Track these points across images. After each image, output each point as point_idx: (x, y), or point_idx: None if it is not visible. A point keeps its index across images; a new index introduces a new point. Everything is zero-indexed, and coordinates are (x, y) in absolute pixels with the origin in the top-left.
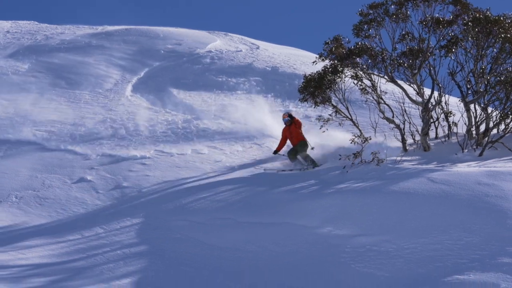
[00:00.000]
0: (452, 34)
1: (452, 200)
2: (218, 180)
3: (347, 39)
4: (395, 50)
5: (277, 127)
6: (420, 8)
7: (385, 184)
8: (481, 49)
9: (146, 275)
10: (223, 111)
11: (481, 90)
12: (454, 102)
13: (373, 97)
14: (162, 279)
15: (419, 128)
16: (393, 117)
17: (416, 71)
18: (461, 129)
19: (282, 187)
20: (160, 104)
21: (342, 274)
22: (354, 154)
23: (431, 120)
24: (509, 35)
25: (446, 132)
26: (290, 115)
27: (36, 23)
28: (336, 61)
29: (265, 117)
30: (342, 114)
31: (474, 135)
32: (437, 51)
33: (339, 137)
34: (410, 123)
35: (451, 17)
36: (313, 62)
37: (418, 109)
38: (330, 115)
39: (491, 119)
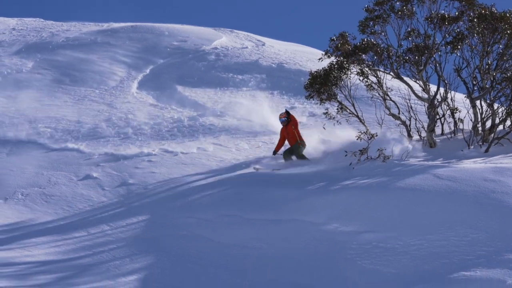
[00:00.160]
0: (458, 30)
1: (458, 197)
2: (224, 177)
3: (352, 36)
4: (400, 46)
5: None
6: (425, 4)
7: (391, 180)
8: (487, 45)
9: (153, 272)
10: (229, 108)
11: (487, 86)
12: (460, 99)
13: (379, 94)
14: (169, 276)
15: (425, 125)
16: (399, 113)
17: (422, 67)
18: (467, 125)
19: (288, 184)
20: (166, 101)
21: (348, 270)
22: (360, 150)
23: (437, 117)
24: None
25: (452, 128)
26: (287, 113)
27: (42, 20)
28: (342, 58)
29: (271, 114)
30: (348, 110)
31: (480, 132)
32: (443, 47)
33: (344, 134)
34: (416, 119)
35: (457, 14)
36: (319, 59)
37: (424, 105)
38: (337, 109)
39: (497, 116)
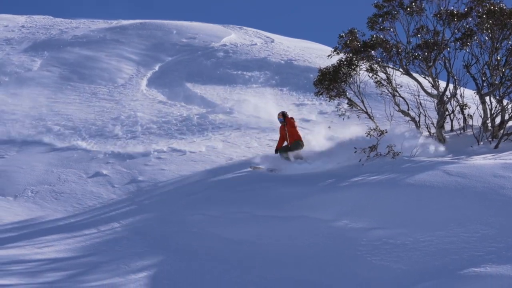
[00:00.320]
0: (467, 27)
1: (468, 193)
2: (234, 174)
3: (361, 32)
4: (409, 43)
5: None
6: (434, 0)
7: (400, 177)
8: (496, 41)
9: (162, 270)
10: (238, 105)
11: (496, 82)
12: (469, 95)
13: (388, 90)
14: (178, 273)
15: (435, 121)
16: (408, 110)
17: (431, 63)
18: (477, 121)
19: (298, 181)
20: (175, 98)
21: (358, 267)
22: (370, 147)
23: (447, 113)
24: None
25: (462, 124)
26: (283, 115)
27: (51, 17)
28: (351, 54)
29: (280, 111)
30: (358, 107)
31: (489, 128)
32: (452, 43)
33: (351, 130)
34: (425, 115)
35: (466, 10)
36: (328, 56)
37: (434, 101)
38: (347, 105)
39: (507, 111)
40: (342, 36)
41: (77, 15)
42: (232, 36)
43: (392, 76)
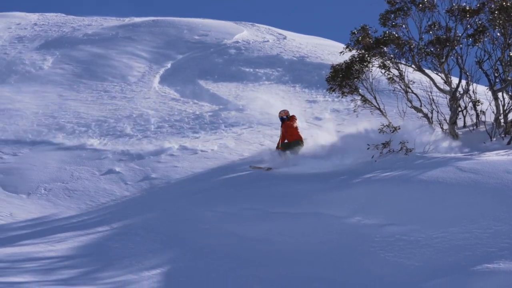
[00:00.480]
0: (479, 23)
1: (481, 189)
2: (246, 171)
3: (374, 29)
4: (422, 40)
5: (303, 119)
6: None
7: (413, 173)
8: (509, 37)
9: (176, 267)
10: (250, 102)
11: (509, 78)
12: (482, 91)
13: (400, 87)
14: (192, 270)
15: (447, 117)
16: (421, 106)
17: (444, 60)
18: (489, 117)
19: (311, 178)
20: (188, 96)
21: (372, 263)
22: (383, 143)
23: (459, 109)
24: None
25: (474, 120)
26: (286, 114)
27: (63, 15)
28: (363, 51)
29: (292, 108)
30: (370, 103)
31: (502, 124)
32: (464, 40)
33: (362, 127)
34: (438, 112)
35: (478, 6)
36: (340, 53)
37: (446, 98)
38: (361, 101)
39: None
40: (354, 33)
41: (89, 13)
42: (245, 33)
43: (404, 73)
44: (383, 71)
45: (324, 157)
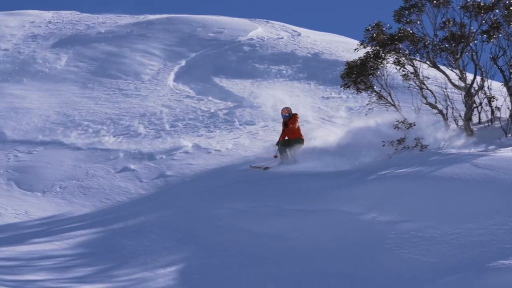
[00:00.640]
0: (494, 19)
1: (496, 185)
2: (261, 168)
3: (388, 26)
4: (436, 36)
5: (318, 116)
6: None
7: (428, 169)
8: None
9: (191, 264)
10: (265, 99)
11: None
12: (496, 87)
13: (415, 83)
14: (207, 267)
15: (462, 113)
16: (436, 102)
17: (458, 56)
18: (504, 113)
19: (324, 174)
20: (202, 93)
21: (387, 260)
22: (398, 140)
23: (474, 105)
24: None
25: (489, 117)
26: (289, 111)
27: (78, 13)
28: (377, 47)
29: (307, 105)
30: (385, 100)
31: None
32: (479, 36)
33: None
34: (453, 108)
35: (492, 2)
36: (355, 50)
37: (461, 94)
38: (377, 97)
39: None
40: (368, 30)
41: (103, 10)
42: (259, 30)
43: (419, 69)
44: (398, 67)
45: (340, 155)
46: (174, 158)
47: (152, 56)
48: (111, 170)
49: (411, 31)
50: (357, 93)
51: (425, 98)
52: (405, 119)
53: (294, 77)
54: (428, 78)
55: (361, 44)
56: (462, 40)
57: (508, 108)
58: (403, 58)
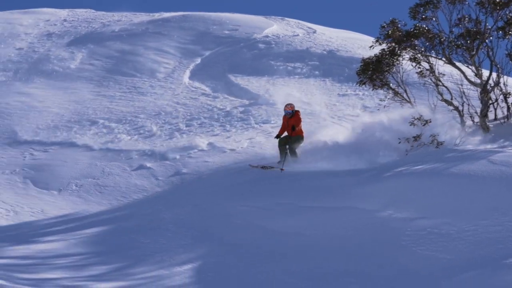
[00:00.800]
0: (510, 15)
1: None
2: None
3: (403, 22)
4: (452, 33)
5: (333, 113)
6: None
7: (444, 166)
8: None
9: (207, 262)
10: (281, 97)
11: None
12: None
13: (431, 80)
14: (223, 265)
15: (478, 110)
16: (451, 99)
17: (474, 52)
18: None
19: (341, 172)
20: (218, 91)
21: (403, 257)
22: (414, 137)
23: (490, 102)
24: None
25: (505, 113)
26: (292, 108)
27: (93, 11)
28: (393, 44)
29: (323, 103)
30: (401, 97)
31: None
32: (495, 32)
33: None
34: (468, 104)
35: None
36: (370, 47)
37: (477, 90)
38: (393, 94)
39: None
40: (383, 27)
41: (118, 8)
42: (274, 27)
43: (435, 66)
44: (413, 64)
45: (355, 153)
46: (190, 156)
47: (167, 54)
48: (127, 168)
49: (426, 28)
50: (372, 90)
51: (441, 94)
52: (421, 115)
53: (309, 74)
54: (444, 74)
55: (377, 41)
56: (478, 37)
57: None
58: (419, 55)
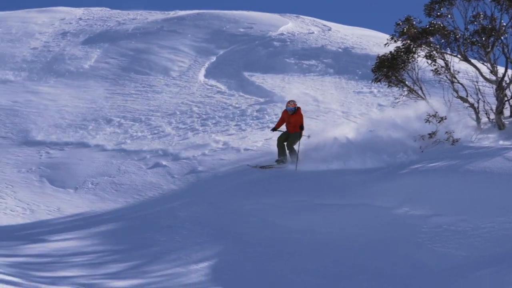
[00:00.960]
0: None
1: None
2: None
3: (418, 20)
4: (467, 30)
5: (348, 110)
6: None
7: (460, 163)
8: None
9: (223, 259)
10: (296, 94)
11: None
12: None
13: (446, 77)
14: (239, 263)
15: (494, 107)
16: (467, 96)
17: (489, 49)
18: None
19: (356, 168)
20: (233, 88)
21: (419, 254)
22: (429, 134)
23: (506, 98)
24: None
25: None
26: (293, 106)
27: (108, 9)
28: (408, 41)
29: (338, 101)
30: (416, 94)
31: None
32: (510, 29)
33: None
34: (484, 101)
35: None
36: (385, 44)
37: (492, 87)
38: (408, 91)
39: None
40: (399, 24)
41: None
42: (289, 25)
43: (450, 63)
44: (429, 61)
45: (371, 150)
46: (206, 154)
47: (182, 52)
48: (143, 166)
49: (442, 25)
50: (388, 87)
51: (456, 92)
52: (436, 112)
53: (324, 72)
54: (459, 72)
55: (392, 38)
56: (493, 34)
57: None
58: (434, 52)
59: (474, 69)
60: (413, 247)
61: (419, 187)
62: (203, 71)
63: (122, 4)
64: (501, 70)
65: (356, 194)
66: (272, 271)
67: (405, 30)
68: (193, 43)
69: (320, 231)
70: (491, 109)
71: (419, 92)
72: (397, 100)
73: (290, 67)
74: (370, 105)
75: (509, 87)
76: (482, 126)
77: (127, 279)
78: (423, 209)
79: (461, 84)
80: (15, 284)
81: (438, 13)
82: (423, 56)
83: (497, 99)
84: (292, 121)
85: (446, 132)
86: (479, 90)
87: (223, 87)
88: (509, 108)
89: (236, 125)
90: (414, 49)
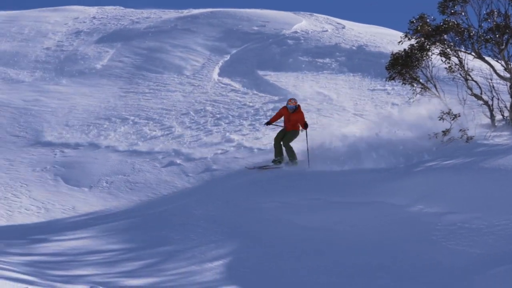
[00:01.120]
0: None
1: None
2: (305, 161)
3: (432, 17)
4: (481, 27)
5: (361, 108)
6: None
7: (474, 161)
8: None
9: (238, 257)
10: (311, 93)
11: None
12: None
13: (460, 74)
14: (254, 261)
15: (508, 104)
16: (481, 93)
17: (503, 47)
18: None
19: (369, 166)
20: (247, 86)
21: (434, 252)
22: (443, 131)
23: None
24: None
25: None
26: (294, 105)
27: (122, 8)
28: (422, 39)
29: (352, 98)
30: (430, 91)
31: None
32: None
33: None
34: (498, 99)
35: None
36: (399, 42)
37: (506, 85)
38: (421, 89)
39: None
40: (412, 22)
41: (147, 5)
42: (303, 23)
43: (464, 60)
44: (443, 59)
45: (384, 149)
46: (220, 152)
47: (196, 50)
48: (157, 165)
49: (455, 22)
50: (402, 84)
51: (471, 89)
52: (450, 110)
53: (338, 70)
54: (473, 70)
55: (406, 36)
56: (507, 31)
57: None
58: (449, 50)
59: (488, 66)
60: (428, 245)
61: (433, 185)
62: (217, 70)
63: (136, 3)
64: None
65: (371, 192)
66: (288, 269)
67: (419, 28)
68: (207, 41)
69: (335, 229)
70: (505, 107)
71: (433, 89)
72: (411, 99)
73: (303, 66)
74: (384, 103)
75: None
76: (496, 124)
77: (141, 277)
78: (437, 206)
79: (475, 81)
80: (31, 283)
81: (452, 11)
82: (437, 53)
83: (511, 97)
84: (292, 119)
85: (460, 129)
86: (493, 87)
87: (237, 86)
88: None
89: (250, 125)
90: (428, 46)
